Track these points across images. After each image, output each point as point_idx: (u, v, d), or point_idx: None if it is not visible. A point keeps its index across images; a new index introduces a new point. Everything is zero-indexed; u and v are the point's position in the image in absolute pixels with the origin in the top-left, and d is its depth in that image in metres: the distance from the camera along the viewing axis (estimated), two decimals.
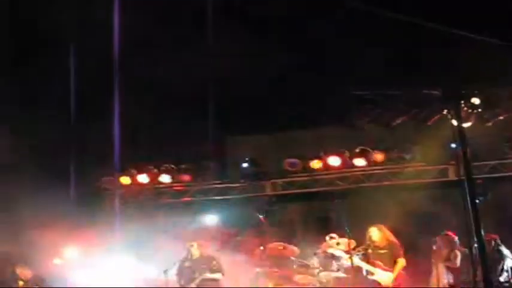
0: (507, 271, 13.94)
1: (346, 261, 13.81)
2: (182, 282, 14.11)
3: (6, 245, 15.99)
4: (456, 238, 14.25)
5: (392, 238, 14.04)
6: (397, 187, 16.93)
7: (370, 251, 13.85)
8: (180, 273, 14.16)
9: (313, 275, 14.38)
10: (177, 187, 17.85)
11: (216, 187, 17.73)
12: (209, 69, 16.52)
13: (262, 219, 17.09)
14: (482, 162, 16.08)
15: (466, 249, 12.63)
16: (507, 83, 13.49)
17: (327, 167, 16.90)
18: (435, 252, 14.29)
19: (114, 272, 15.22)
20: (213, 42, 15.95)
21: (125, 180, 17.66)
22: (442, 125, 10.94)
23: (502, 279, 13.85)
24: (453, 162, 14.80)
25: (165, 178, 17.66)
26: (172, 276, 14.06)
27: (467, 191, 9.40)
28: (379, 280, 13.50)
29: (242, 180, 17.50)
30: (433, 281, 14.18)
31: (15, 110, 16.56)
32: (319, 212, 17.85)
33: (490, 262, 10.01)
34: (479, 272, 9.62)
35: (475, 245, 9.37)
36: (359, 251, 13.90)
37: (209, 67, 16.45)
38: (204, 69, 16.51)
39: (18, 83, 16.66)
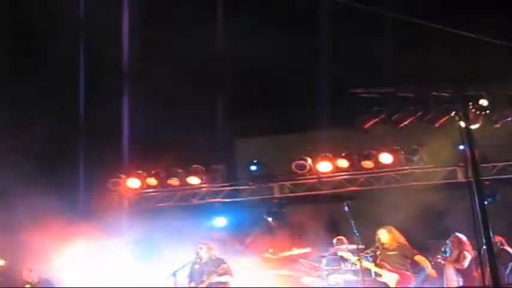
0: None
1: (354, 263, 13.83)
2: (192, 284, 14.11)
3: (12, 247, 16.07)
4: (466, 240, 14.22)
5: (402, 240, 14.05)
6: (405, 189, 16.92)
7: (379, 252, 13.88)
8: (190, 275, 14.16)
9: (322, 277, 14.37)
10: (186, 190, 17.86)
11: (224, 189, 17.74)
12: (218, 70, 16.58)
13: (271, 221, 17.11)
14: (490, 164, 16.09)
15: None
16: None
17: (336, 169, 16.91)
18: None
19: (122, 274, 15.27)
20: (222, 42, 16.00)
21: (134, 182, 17.67)
22: (450, 126, 10.90)
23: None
24: (461, 164, 14.81)
25: (174, 181, 17.67)
26: (182, 278, 14.05)
27: (475, 192, 9.40)
28: (386, 282, 13.52)
29: (250, 183, 17.50)
30: (444, 283, 14.16)
31: (24, 107, 16.67)
32: (328, 214, 17.86)
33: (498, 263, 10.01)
34: (487, 273, 9.63)
35: (484, 247, 9.37)
36: (367, 253, 13.92)
37: (218, 68, 16.50)
38: (212, 70, 16.57)
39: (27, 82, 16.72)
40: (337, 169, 16.93)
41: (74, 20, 15.79)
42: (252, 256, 15.12)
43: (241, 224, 17.33)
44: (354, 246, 14.08)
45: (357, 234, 13.85)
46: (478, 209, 9.36)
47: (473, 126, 10.18)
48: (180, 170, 17.60)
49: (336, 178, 17.15)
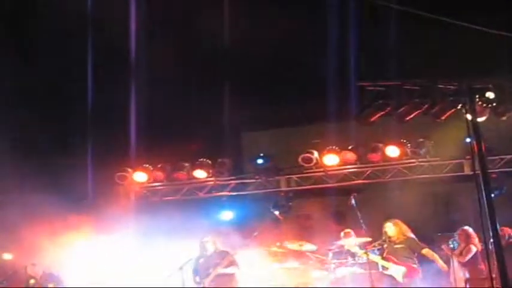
0: None
1: (361, 257, 13.84)
2: (197, 279, 14.09)
3: (16, 242, 16.13)
4: (473, 233, 14.20)
5: (409, 233, 14.05)
6: (412, 182, 16.92)
7: (385, 246, 13.89)
8: (195, 271, 14.14)
9: (329, 270, 14.38)
10: (193, 183, 17.87)
11: (231, 183, 17.75)
12: (225, 64, 16.58)
13: (278, 214, 17.12)
14: (497, 157, 16.07)
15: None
16: None
17: (342, 162, 16.90)
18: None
19: (128, 269, 15.30)
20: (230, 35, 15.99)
21: (141, 176, 17.70)
22: (457, 119, 10.88)
23: None
24: (468, 156, 14.78)
25: (180, 175, 17.69)
26: (188, 272, 14.07)
27: (482, 185, 9.39)
28: (393, 274, 13.54)
29: (257, 176, 17.50)
30: (451, 276, 14.17)
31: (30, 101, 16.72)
32: (334, 207, 17.87)
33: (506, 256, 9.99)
34: (494, 266, 9.63)
35: (491, 240, 9.37)
36: (374, 246, 13.94)
37: (225, 61, 16.51)
38: (219, 63, 16.58)
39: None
40: (344, 162, 16.90)
41: (82, 10, 15.78)
42: (259, 249, 15.12)
43: (248, 218, 17.35)
44: (361, 240, 14.10)
45: (364, 227, 13.87)
46: (485, 201, 9.36)
47: (480, 119, 10.17)
48: (186, 164, 17.61)
49: (343, 171, 17.13)
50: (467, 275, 14.02)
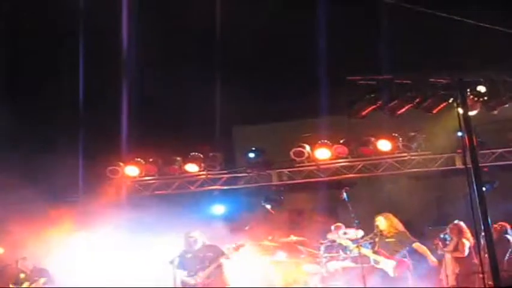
0: None
1: (353, 251, 13.84)
2: (185, 273, 13.91)
3: (6, 237, 16.10)
4: (465, 227, 14.21)
5: (400, 227, 14.07)
6: (404, 176, 16.95)
7: (377, 239, 13.90)
8: (181, 265, 13.88)
9: (320, 264, 14.38)
10: (184, 177, 17.85)
11: (223, 177, 17.73)
12: (216, 58, 16.53)
13: (269, 208, 17.12)
14: (488, 151, 16.09)
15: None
16: None
17: (334, 156, 16.90)
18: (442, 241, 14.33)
19: (119, 262, 15.26)
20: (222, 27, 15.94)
21: (133, 170, 17.67)
22: (448, 113, 10.91)
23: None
24: (459, 150, 14.80)
25: (172, 169, 17.66)
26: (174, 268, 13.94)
27: (473, 179, 9.41)
28: (384, 268, 13.55)
29: (249, 170, 17.50)
30: (442, 272, 14.20)
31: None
32: (326, 201, 17.87)
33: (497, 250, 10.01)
34: (486, 260, 9.66)
35: (482, 234, 9.39)
36: (366, 240, 13.95)
37: (216, 55, 16.46)
38: (211, 57, 16.53)
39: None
40: (336, 156, 16.90)
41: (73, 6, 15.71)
42: (251, 243, 15.10)
43: (240, 211, 17.34)
44: (352, 233, 14.10)
45: (356, 221, 13.87)
46: (477, 195, 9.37)
47: (471, 113, 10.19)
48: (178, 158, 17.59)
49: (334, 165, 17.13)
50: (457, 270, 14.03)
